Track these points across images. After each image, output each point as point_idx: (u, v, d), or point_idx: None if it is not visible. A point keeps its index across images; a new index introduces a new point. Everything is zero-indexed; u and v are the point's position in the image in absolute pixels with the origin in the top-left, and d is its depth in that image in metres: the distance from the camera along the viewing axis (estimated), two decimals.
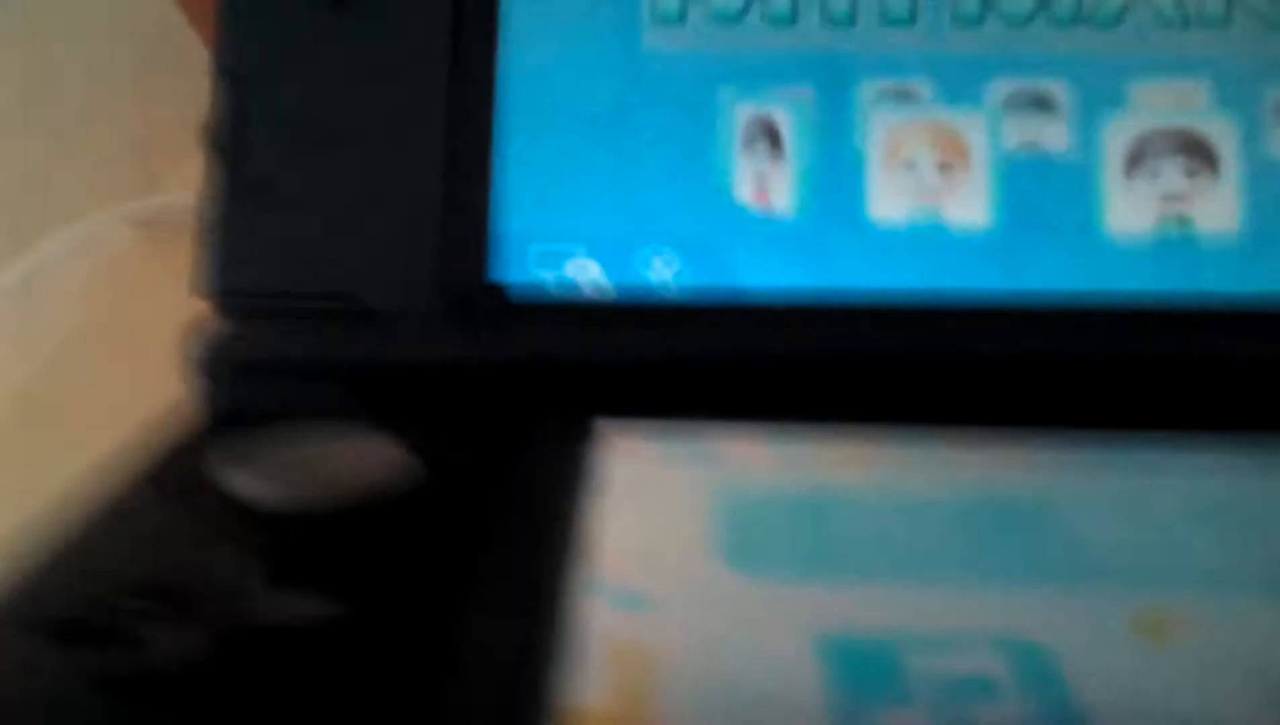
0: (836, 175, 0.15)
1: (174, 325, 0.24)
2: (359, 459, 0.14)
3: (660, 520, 0.12)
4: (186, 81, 0.48)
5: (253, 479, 0.13)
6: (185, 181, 0.36)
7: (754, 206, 0.15)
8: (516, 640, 0.10)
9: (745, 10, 0.16)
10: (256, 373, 0.15)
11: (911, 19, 0.15)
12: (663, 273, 0.15)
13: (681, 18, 0.16)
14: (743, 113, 0.15)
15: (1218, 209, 0.15)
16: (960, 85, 0.15)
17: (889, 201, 0.15)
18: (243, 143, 0.16)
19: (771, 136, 0.15)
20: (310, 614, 0.10)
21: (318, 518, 0.12)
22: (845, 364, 0.15)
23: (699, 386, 0.15)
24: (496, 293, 0.15)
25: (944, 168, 0.15)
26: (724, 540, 0.12)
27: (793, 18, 0.15)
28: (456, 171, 0.15)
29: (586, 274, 0.16)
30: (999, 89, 0.15)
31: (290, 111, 0.16)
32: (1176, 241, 0.15)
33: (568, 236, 0.16)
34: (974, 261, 0.15)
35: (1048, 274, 0.15)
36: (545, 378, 0.15)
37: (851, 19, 0.15)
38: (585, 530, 0.12)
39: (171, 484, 0.13)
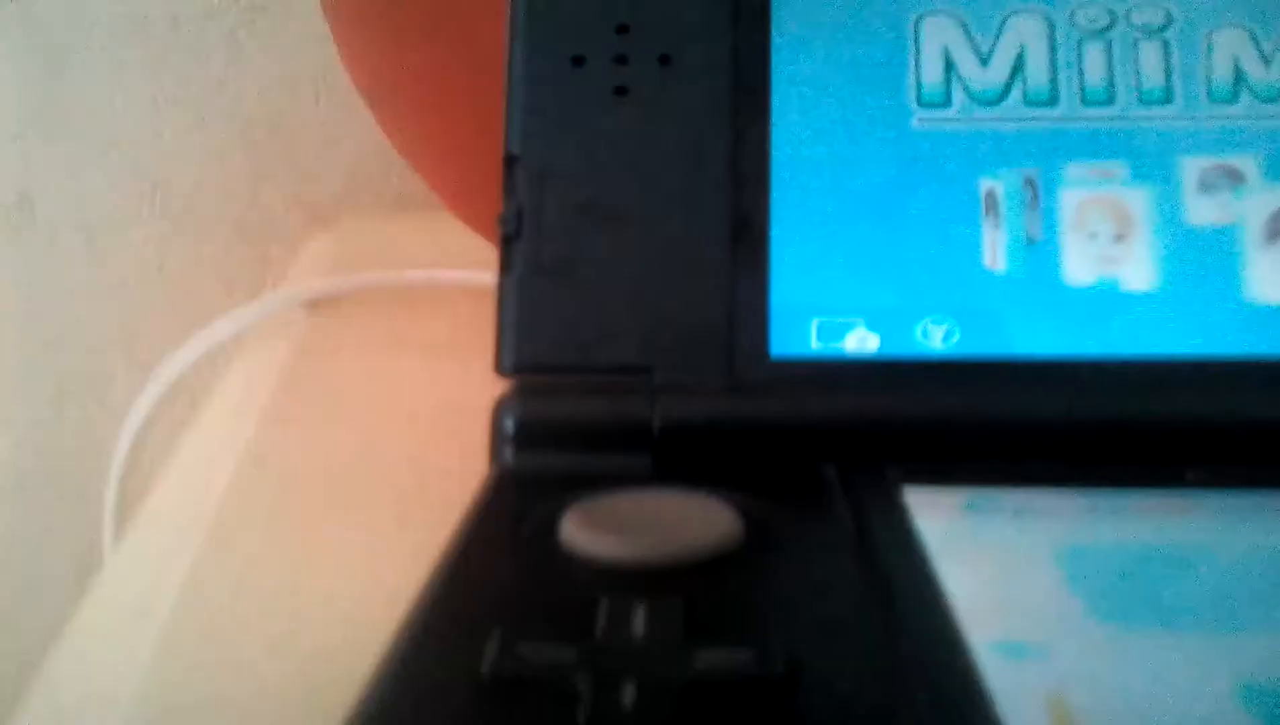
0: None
1: (352, 390, 0.25)
2: (688, 516, 0.14)
3: (1013, 573, 0.13)
4: (297, 169, 0.50)
5: (601, 538, 0.14)
6: (298, 265, 0.38)
7: (1015, 274, 0.16)
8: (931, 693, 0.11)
9: (1006, 91, 0.17)
10: (556, 440, 0.16)
11: (1169, 97, 0.17)
12: (936, 337, 0.16)
13: (946, 100, 0.17)
14: (1005, 185, 0.17)
15: None
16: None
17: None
18: (536, 227, 0.17)
19: (1029, 207, 0.17)
20: (742, 667, 0.11)
21: (672, 570, 0.13)
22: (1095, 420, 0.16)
23: (974, 441, 0.16)
24: (780, 363, 0.16)
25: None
26: (1087, 592, 0.13)
27: (1052, 98, 0.17)
28: (738, 249, 0.16)
29: (865, 344, 0.16)
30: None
31: (579, 196, 0.17)
32: None
33: (846, 309, 0.17)
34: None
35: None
36: (829, 439, 0.16)
37: (1110, 97, 0.17)
38: (934, 579, 0.13)
39: (517, 543, 0.14)
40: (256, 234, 0.46)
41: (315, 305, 0.29)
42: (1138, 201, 0.17)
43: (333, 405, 0.23)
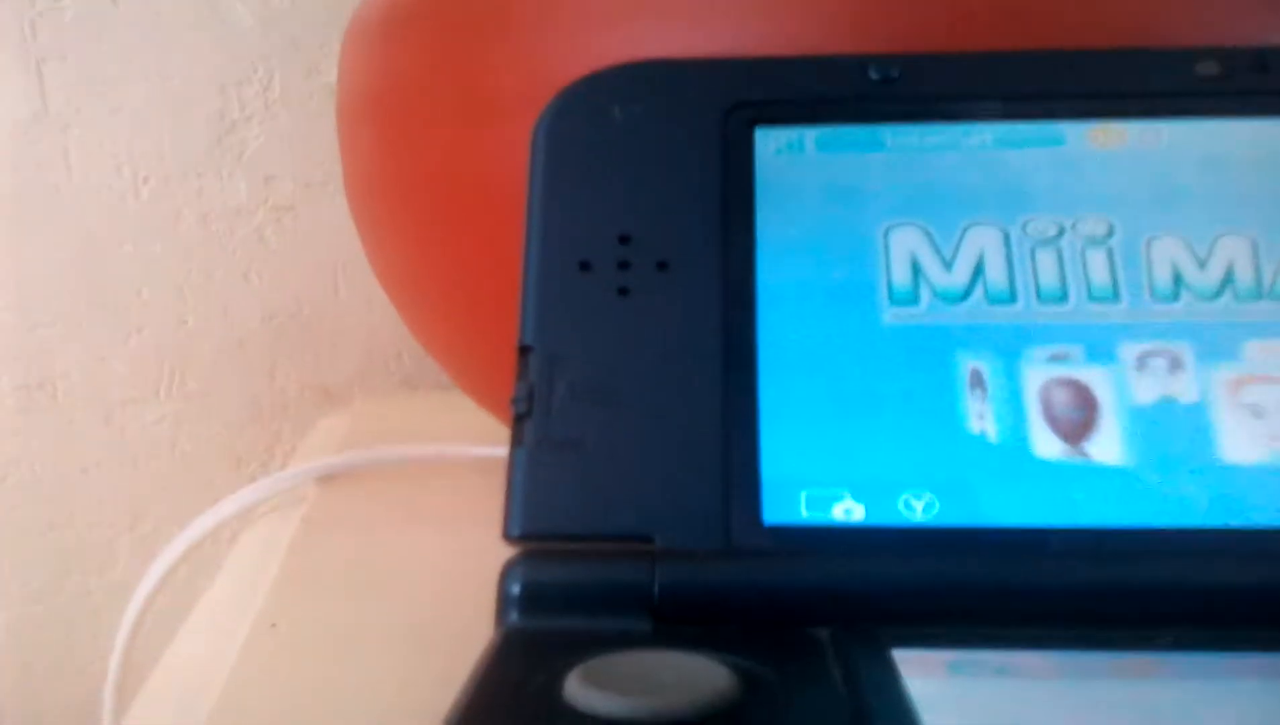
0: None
1: (362, 557, 0.26)
2: (686, 675, 0.15)
3: None
4: (314, 354, 0.52)
5: (603, 696, 0.14)
6: (309, 443, 0.39)
7: (987, 450, 0.18)
8: None
9: (969, 291, 0.19)
10: (560, 603, 0.17)
11: (1116, 296, 0.19)
12: (918, 508, 0.18)
13: (915, 298, 0.19)
14: (971, 371, 0.19)
15: None
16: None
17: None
18: (546, 407, 0.18)
19: (996, 390, 0.18)
20: None
21: None
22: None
23: (957, 606, 0.17)
24: (773, 531, 0.17)
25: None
26: None
27: (1011, 297, 0.19)
28: (730, 429, 0.18)
29: (852, 514, 0.18)
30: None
31: (586, 381, 0.18)
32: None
33: (832, 482, 0.18)
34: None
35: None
36: (820, 602, 0.17)
37: (1064, 296, 0.19)
38: None
39: (522, 701, 0.15)
40: (270, 415, 0.47)
41: (325, 480, 0.30)
42: (1099, 382, 0.18)
43: (342, 572, 0.24)
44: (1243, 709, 0.15)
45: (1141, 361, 0.19)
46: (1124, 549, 0.17)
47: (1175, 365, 0.19)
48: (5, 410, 0.46)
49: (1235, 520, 0.18)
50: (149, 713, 0.21)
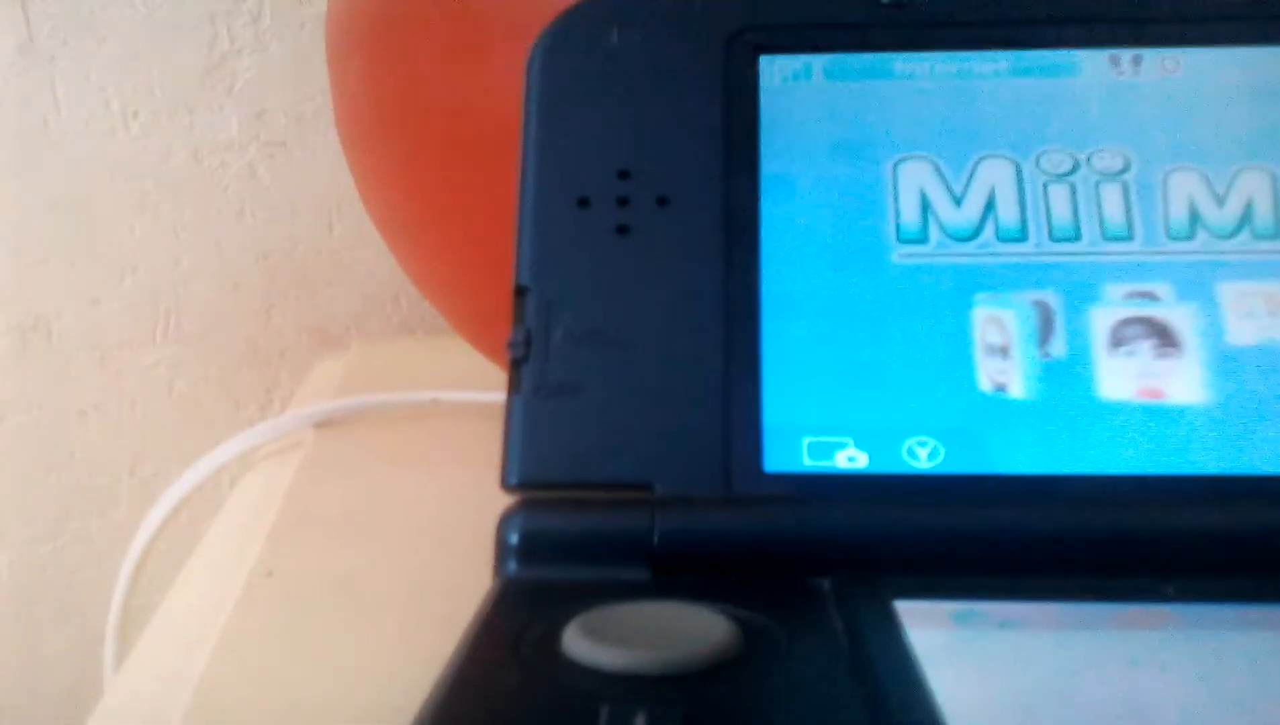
0: (1067, 365, 0.18)
1: (359, 505, 0.26)
2: (687, 627, 0.15)
3: (1000, 680, 0.14)
4: (310, 295, 0.52)
5: (602, 648, 0.14)
6: (306, 387, 0.39)
7: (995, 394, 0.18)
8: None
9: (979, 229, 0.18)
10: (559, 552, 0.17)
11: (1130, 235, 0.18)
12: (922, 456, 0.17)
13: (924, 237, 0.18)
14: (980, 313, 0.18)
15: None
16: (1185, 286, 0.18)
17: (1113, 385, 0.17)
18: (543, 351, 0.18)
19: (1005, 333, 0.18)
20: None
21: (671, 679, 0.14)
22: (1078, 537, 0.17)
23: (961, 555, 0.17)
24: (774, 478, 0.17)
25: (1160, 353, 0.18)
26: (1067, 697, 0.13)
27: (1023, 235, 0.18)
28: (731, 372, 0.18)
29: (855, 462, 0.17)
30: (1221, 288, 0.18)
31: (584, 323, 0.18)
32: None
33: (835, 429, 0.18)
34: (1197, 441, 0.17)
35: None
36: (821, 552, 0.17)
37: (1077, 235, 0.18)
38: (926, 688, 0.13)
39: (520, 653, 0.14)
40: (267, 358, 0.47)
41: (323, 425, 0.29)
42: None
43: (340, 520, 0.24)
44: (1251, 659, 0.14)
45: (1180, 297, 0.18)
46: (1136, 495, 0.17)
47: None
48: (0, 351, 0.46)
49: (1258, 467, 0.17)
50: (149, 658, 0.21)
